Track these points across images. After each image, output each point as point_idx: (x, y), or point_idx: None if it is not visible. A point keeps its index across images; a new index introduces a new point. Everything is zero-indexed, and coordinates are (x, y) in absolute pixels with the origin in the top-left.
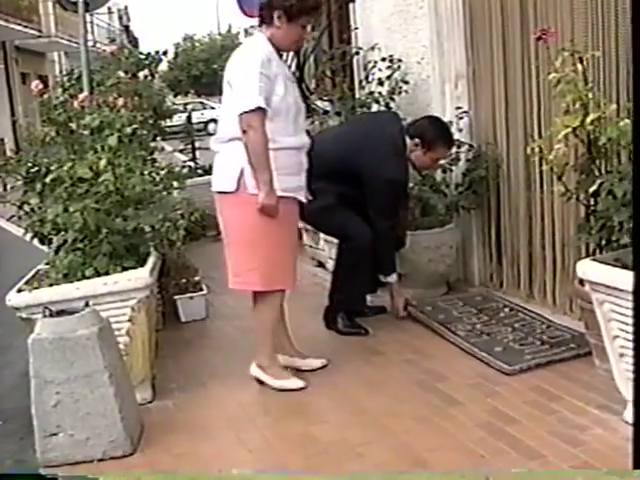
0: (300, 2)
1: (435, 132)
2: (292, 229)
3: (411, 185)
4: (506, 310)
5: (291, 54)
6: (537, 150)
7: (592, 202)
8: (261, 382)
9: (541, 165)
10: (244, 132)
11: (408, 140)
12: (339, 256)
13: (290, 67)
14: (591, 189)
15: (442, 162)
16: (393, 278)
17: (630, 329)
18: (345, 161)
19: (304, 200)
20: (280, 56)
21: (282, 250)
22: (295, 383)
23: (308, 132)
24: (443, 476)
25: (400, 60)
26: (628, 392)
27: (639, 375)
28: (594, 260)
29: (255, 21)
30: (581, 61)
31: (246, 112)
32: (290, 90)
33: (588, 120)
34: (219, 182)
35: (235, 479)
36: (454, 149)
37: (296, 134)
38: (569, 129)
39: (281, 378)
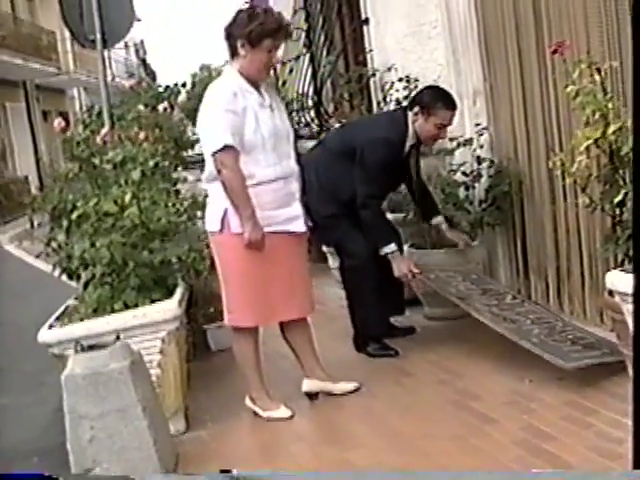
0: (259, 26)
1: (432, 95)
2: (284, 262)
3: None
4: (509, 297)
5: (307, 80)
6: (559, 163)
7: (618, 212)
8: (256, 413)
9: (564, 178)
10: (219, 172)
11: (410, 115)
12: (343, 279)
13: (302, 93)
14: (616, 199)
15: (443, 135)
16: (390, 248)
17: None
18: (345, 144)
19: (301, 230)
20: (256, 86)
21: (271, 286)
22: (283, 413)
23: (299, 158)
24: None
25: (417, 80)
26: None
27: (638, 377)
28: (622, 270)
29: None
30: (599, 72)
31: (216, 152)
32: (264, 120)
33: (609, 131)
34: (207, 221)
35: None
36: (475, 165)
37: (279, 163)
38: (591, 141)
39: (269, 409)
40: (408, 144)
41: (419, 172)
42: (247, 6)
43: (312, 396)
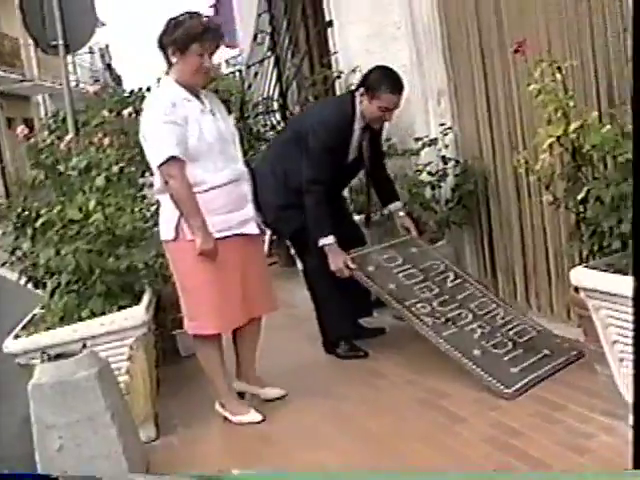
0: (185, 31)
1: (377, 77)
2: (237, 266)
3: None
4: (450, 277)
5: (273, 82)
6: (523, 161)
7: (581, 209)
8: (226, 418)
9: (528, 176)
10: (166, 183)
11: (357, 96)
12: (307, 281)
13: (268, 96)
14: (579, 196)
15: (388, 118)
16: (328, 240)
17: (629, 333)
18: (294, 131)
19: (254, 232)
20: (195, 93)
21: (228, 290)
22: (253, 417)
23: (247, 161)
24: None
25: None
26: (630, 396)
27: (638, 377)
28: (587, 267)
29: (236, 52)
30: (560, 70)
31: (161, 164)
32: (207, 126)
33: (571, 128)
34: (161, 231)
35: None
36: (441, 165)
37: (227, 167)
38: (553, 138)
39: (239, 413)
40: (357, 126)
41: (379, 155)
42: (179, 14)
43: (241, 395)
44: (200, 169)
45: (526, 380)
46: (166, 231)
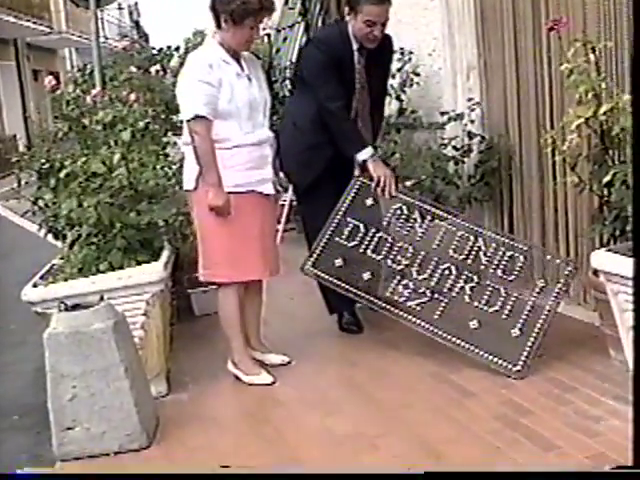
0: (242, 5)
1: None
2: (256, 222)
3: (423, 177)
4: (418, 219)
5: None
6: (550, 141)
7: (606, 193)
8: (237, 377)
9: (554, 156)
10: (191, 138)
11: (348, 19)
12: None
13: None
14: (605, 179)
15: (376, 33)
16: (367, 153)
17: None
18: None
19: (270, 192)
20: (237, 57)
21: (244, 243)
22: (264, 378)
23: (272, 126)
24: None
25: (411, 52)
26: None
27: (638, 375)
28: (609, 250)
29: None
30: (593, 51)
31: (189, 120)
32: (241, 90)
33: (601, 110)
34: (184, 180)
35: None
36: (466, 140)
37: (253, 131)
38: (582, 120)
39: (251, 373)
40: (355, 47)
41: (380, 90)
42: None
43: None
44: (227, 128)
45: (529, 344)
46: (188, 181)
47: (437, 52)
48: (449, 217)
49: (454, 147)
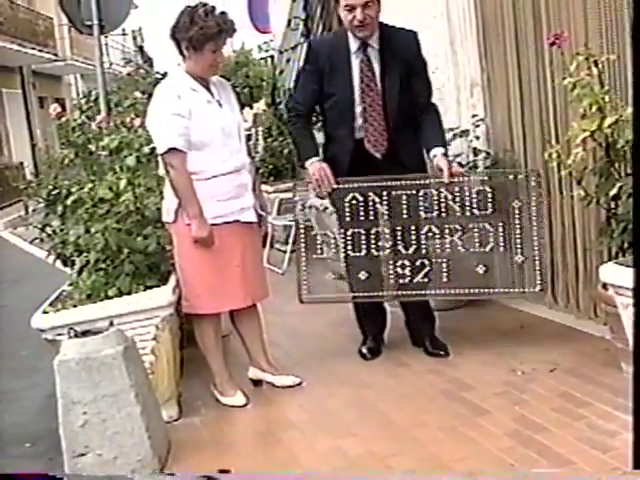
0: (200, 30)
1: None
2: (236, 251)
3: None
4: (384, 197)
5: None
6: (555, 155)
7: (613, 205)
8: (217, 399)
9: (560, 170)
10: (167, 172)
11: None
12: None
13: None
14: (611, 192)
15: (358, 17)
16: (310, 160)
17: None
18: None
19: (251, 220)
20: (206, 83)
21: (224, 274)
22: (238, 400)
23: (249, 151)
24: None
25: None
26: None
27: (638, 376)
28: (617, 263)
29: (269, 37)
30: (596, 64)
31: (162, 154)
32: (212, 118)
33: (606, 123)
34: (163, 212)
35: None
36: (471, 156)
37: (229, 158)
38: (587, 133)
39: (227, 395)
40: (354, 47)
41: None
42: (192, 5)
43: (256, 383)
44: (203, 158)
45: (538, 263)
46: (167, 213)
47: (440, 69)
48: (400, 183)
49: (459, 163)
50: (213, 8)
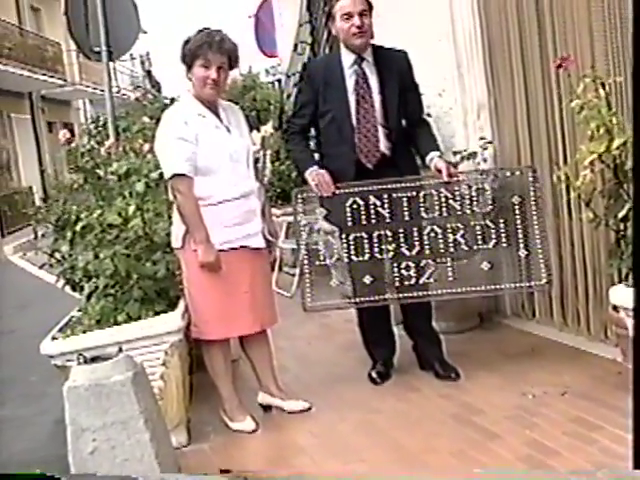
0: (188, 47)
1: None
2: (244, 277)
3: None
4: (385, 199)
5: None
6: (563, 177)
7: (622, 227)
8: (226, 424)
9: (568, 192)
10: (174, 197)
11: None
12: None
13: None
14: (620, 214)
15: (356, 23)
16: (308, 172)
17: None
18: None
19: (259, 245)
20: (214, 107)
21: (233, 300)
22: (247, 425)
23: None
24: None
25: (422, 93)
26: None
27: (638, 377)
28: (627, 285)
29: (276, 61)
30: (603, 87)
31: (169, 179)
32: (220, 143)
33: (613, 145)
34: (172, 238)
35: None
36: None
37: (237, 183)
38: (595, 155)
39: (237, 421)
40: (348, 61)
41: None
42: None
43: (266, 408)
44: (210, 184)
45: (541, 256)
46: (175, 239)
47: (447, 92)
48: (401, 185)
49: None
50: (208, 28)
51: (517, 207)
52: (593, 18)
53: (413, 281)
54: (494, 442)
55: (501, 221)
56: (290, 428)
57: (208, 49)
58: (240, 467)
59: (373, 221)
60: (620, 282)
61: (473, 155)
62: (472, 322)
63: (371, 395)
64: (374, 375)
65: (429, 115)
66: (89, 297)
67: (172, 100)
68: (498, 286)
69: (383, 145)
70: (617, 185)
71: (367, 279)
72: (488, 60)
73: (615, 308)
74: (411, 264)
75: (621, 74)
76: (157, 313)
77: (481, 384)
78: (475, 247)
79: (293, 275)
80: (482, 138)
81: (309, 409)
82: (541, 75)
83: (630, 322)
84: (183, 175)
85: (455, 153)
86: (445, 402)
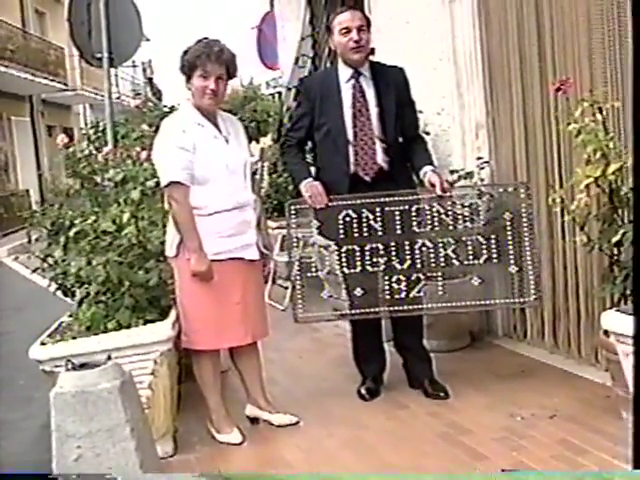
0: (187, 57)
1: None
2: (236, 289)
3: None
4: (378, 213)
5: None
6: (559, 200)
7: (615, 252)
8: (213, 436)
9: (563, 215)
10: (169, 204)
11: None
12: None
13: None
14: (614, 239)
15: (354, 37)
16: (303, 183)
17: None
18: None
19: (253, 257)
20: (212, 118)
21: (224, 311)
22: (234, 437)
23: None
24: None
25: (420, 111)
26: None
27: (638, 378)
28: (618, 311)
29: (277, 74)
30: (600, 111)
31: (165, 186)
32: (217, 153)
33: (610, 170)
34: (166, 246)
35: None
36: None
37: (234, 194)
38: (591, 179)
39: (224, 432)
40: (345, 76)
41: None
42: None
43: (253, 420)
44: (206, 193)
45: (531, 272)
46: (169, 247)
47: (446, 111)
48: (394, 199)
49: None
50: (207, 38)
51: (509, 223)
52: (593, 43)
53: (403, 294)
54: (481, 463)
55: (492, 237)
56: (277, 441)
57: (207, 60)
58: (224, 477)
59: (365, 234)
60: (612, 307)
61: (470, 174)
62: (463, 341)
63: (360, 411)
64: (363, 391)
65: (427, 133)
66: (80, 303)
67: (172, 108)
68: (488, 302)
69: (380, 159)
70: (612, 210)
71: (358, 292)
72: (488, 80)
73: (606, 333)
74: (402, 278)
75: (619, 99)
76: (148, 322)
77: (470, 403)
78: (466, 262)
79: (286, 288)
80: (479, 158)
81: (297, 423)
82: (540, 97)
83: (620, 347)
84: (179, 183)
85: (452, 172)
86: (433, 421)
